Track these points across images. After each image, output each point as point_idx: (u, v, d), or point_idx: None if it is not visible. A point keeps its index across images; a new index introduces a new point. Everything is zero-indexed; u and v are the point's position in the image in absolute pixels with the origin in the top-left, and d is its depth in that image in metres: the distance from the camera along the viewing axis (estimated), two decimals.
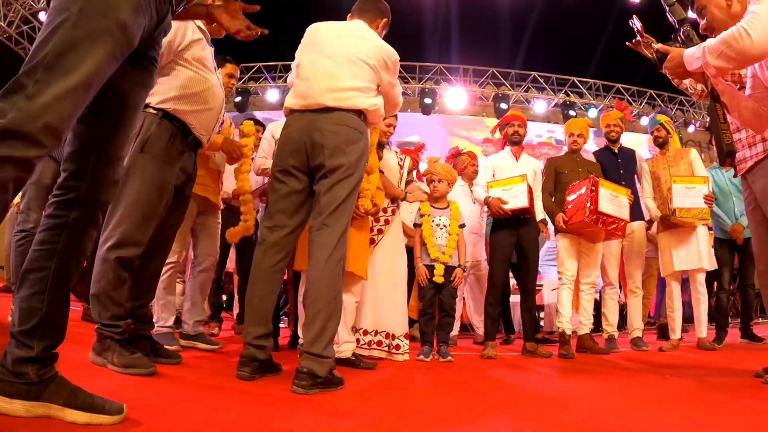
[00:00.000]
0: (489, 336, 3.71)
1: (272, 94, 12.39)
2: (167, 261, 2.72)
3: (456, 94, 12.26)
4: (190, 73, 2.31)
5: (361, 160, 2.25)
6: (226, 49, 3.04)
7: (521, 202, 3.68)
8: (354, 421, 1.61)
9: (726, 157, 2.53)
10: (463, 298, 5.23)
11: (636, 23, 2.83)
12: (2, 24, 10.03)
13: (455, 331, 4.93)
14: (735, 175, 2.74)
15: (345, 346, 2.84)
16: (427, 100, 12.16)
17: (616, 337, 4.18)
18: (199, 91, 2.33)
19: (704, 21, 2.31)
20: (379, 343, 3.14)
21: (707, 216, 4.10)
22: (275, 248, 2.26)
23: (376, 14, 2.60)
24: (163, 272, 2.71)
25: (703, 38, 2.27)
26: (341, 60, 2.33)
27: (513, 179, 3.80)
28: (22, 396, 1.23)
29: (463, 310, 5.33)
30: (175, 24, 2.23)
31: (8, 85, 1.02)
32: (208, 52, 2.44)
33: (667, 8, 2.41)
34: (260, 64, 12.43)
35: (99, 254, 2.17)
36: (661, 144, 4.47)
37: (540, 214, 3.99)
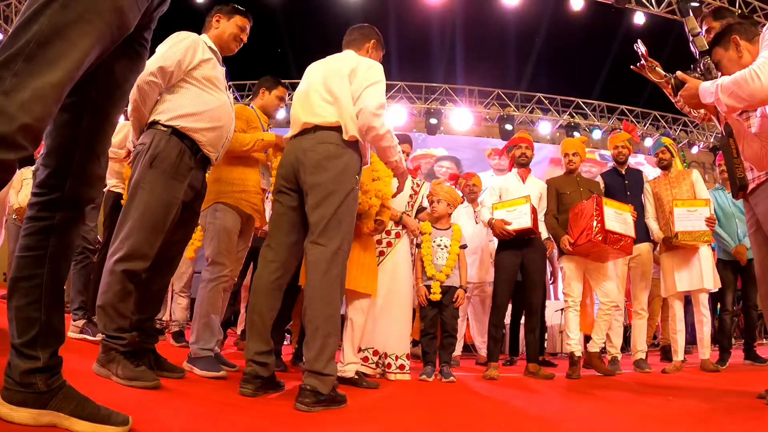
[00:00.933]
0: (492, 357, 3.70)
1: (279, 113, 12.53)
2: (218, 275, 2.76)
3: (461, 115, 12.35)
4: (199, 92, 2.36)
5: (344, 175, 2.22)
6: (234, 67, 3.10)
7: (525, 222, 3.70)
8: None
9: (739, 190, 2.58)
10: (467, 319, 5.22)
11: (641, 47, 2.89)
12: (1, 21, 10.16)
13: (457, 351, 4.94)
14: (736, 198, 2.76)
15: (349, 366, 2.85)
16: (433, 121, 12.24)
17: (619, 359, 4.14)
18: (209, 110, 2.36)
19: (719, 74, 2.37)
20: (365, 359, 3.14)
21: (709, 237, 4.11)
22: (273, 265, 2.29)
23: (361, 39, 2.65)
24: (208, 288, 2.73)
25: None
26: (317, 80, 2.40)
27: (517, 201, 3.83)
28: (29, 404, 1.22)
29: (466, 331, 5.32)
30: (185, 44, 2.32)
31: None
32: (218, 71, 2.48)
33: (691, 38, 2.48)
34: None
35: (106, 266, 2.19)
36: (665, 166, 4.51)
37: (545, 232, 4.01)
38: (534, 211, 3.78)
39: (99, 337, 3.05)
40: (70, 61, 0.97)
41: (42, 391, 1.23)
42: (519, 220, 3.73)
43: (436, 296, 3.39)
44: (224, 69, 2.58)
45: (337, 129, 2.27)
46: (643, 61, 2.94)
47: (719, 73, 2.36)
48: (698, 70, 2.48)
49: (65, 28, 0.97)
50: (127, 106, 2.58)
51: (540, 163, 11.54)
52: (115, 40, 1.11)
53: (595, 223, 3.59)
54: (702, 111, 3.07)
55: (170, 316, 4.51)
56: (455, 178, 5.46)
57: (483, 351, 5.03)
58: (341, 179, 2.22)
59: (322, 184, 2.20)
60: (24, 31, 0.95)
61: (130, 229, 2.19)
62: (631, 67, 2.96)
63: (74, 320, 3.28)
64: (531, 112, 12.56)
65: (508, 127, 12.02)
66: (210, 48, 2.48)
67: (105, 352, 2.12)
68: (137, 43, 1.32)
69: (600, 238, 3.54)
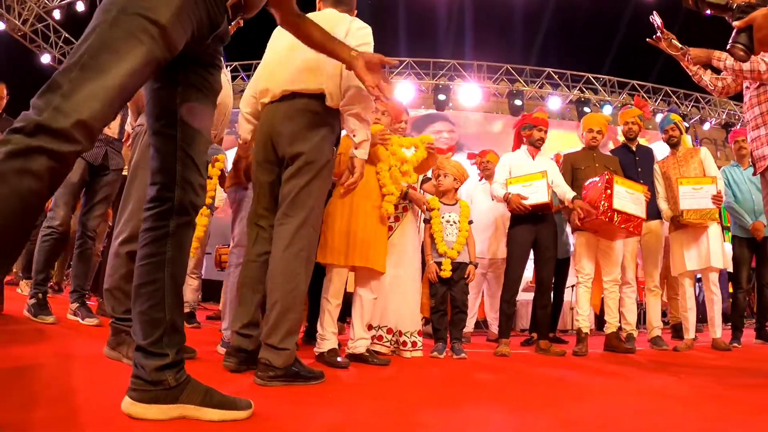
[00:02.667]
0: (503, 333, 3.69)
1: None
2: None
3: (470, 91, 12.19)
4: None
5: (322, 146, 2.13)
6: (228, 45, 3.03)
7: (541, 197, 3.64)
8: (360, 412, 1.60)
9: None
10: (481, 295, 5.21)
11: (656, 19, 2.77)
12: (17, 22, 10.18)
13: (469, 327, 4.94)
14: (754, 173, 2.69)
15: (359, 342, 2.84)
16: (441, 97, 12.11)
17: (635, 336, 4.13)
18: None
19: None
20: (380, 338, 3.14)
21: (716, 216, 4.06)
22: (260, 239, 2.25)
23: (351, 1, 2.48)
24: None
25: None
26: (299, 43, 1.99)
27: (533, 175, 3.77)
28: (159, 401, 1.30)
29: (480, 307, 5.31)
30: None
31: (46, 85, 1.03)
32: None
33: (703, 4, 2.21)
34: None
35: (112, 249, 2.21)
36: (674, 144, 4.41)
37: (571, 193, 3.84)
38: (549, 186, 3.71)
39: (88, 321, 3.16)
40: (120, 69, 1.08)
41: (171, 386, 1.31)
42: (536, 195, 3.67)
43: (447, 273, 3.36)
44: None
45: (318, 96, 2.15)
46: (659, 34, 2.84)
47: None
48: (736, 16, 2.17)
49: (113, 42, 1.09)
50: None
51: None
52: (163, 56, 1.19)
53: (603, 200, 3.52)
54: (720, 84, 2.97)
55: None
56: (473, 156, 5.41)
57: (494, 327, 5.03)
58: (319, 150, 2.12)
59: (301, 155, 2.11)
60: (80, 46, 1.09)
61: (132, 210, 2.20)
62: (647, 40, 2.85)
63: (71, 302, 3.35)
64: (541, 88, 12.36)
65: (518, 102, 11.88)
66: None
67: (115, 335, 2.14)
68: (203, 67, 1.42)
69: (607, 216, 3.48)
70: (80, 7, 10.03)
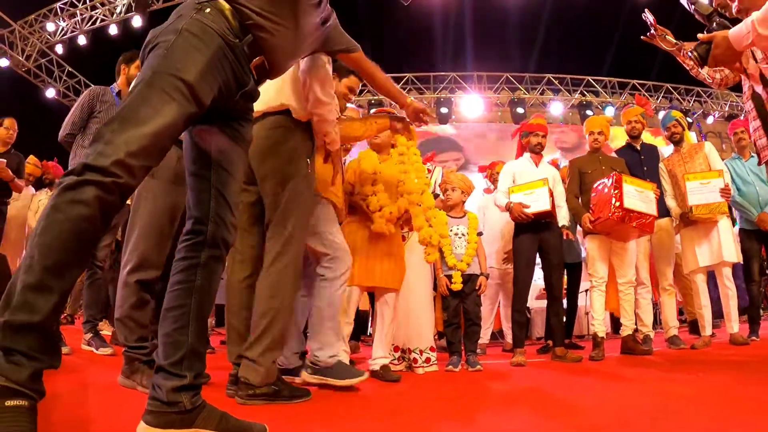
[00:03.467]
0: (517, 343, 3.65)
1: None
2: (344, 271, 2.49)
3: (472, 102, 12.24)
4: None
5: (292, 160, 2.16)
6: None
7: (543, 205, 3.63)
8: (370, 427, 1.60)
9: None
10: (498, 305, 5.17)
11: (648, 16, 2.79)
12: (20, 58, 10.41)
13: (485, 339, 4.91)
14: (759, 163, 2.67)
15: (377, 361, 2.85)
16: (443, 110, 12.15)
17: (651, 337, 4.07)
18: None
19: (735, 2, 2.24)
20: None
21: (725, 209, 4.01)
22: (241, 265, 2.25)
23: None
24: (335, 287, 2.44)
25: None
26: None
27: (534, 183, 3.76)
28: (175, 425, 1.32)
29: (496, 317, 5.28)
30: None
31: (94, 135, 1.22)
32: None
33: (692, 7, 2.36)
34: None
35: (120, 279, 2.24)
36: (677, 141, 4.37)
37: (563, 220, 3.88)
38: (551, 194, 3.70)
39: (102, 351, 3.20)
40: (155, 121, 1.23)
41: (187, 409, 1.34)
42: (537, 203, 3.66)
43: (458, 286, 3.35)
44: None
45: (285, 112, 2.19)
46: (652, 31, 2.84)
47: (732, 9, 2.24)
48: (710, 29, 2.34)
49: (149, 98, 1.26)
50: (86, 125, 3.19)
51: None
52: (194, 111, 1.33)
53: (613, 200, 3.50)
54: (718, 76, 2.96)
55: None
56: (484, 169, 5.43)
57: (510, 337, 4.92)
58: (291, 163, 2.15)
59: (271, 172, 2.14)
60: (122, 104, 1.27)
61: (137, 239, 2.23)
62: (642, 37, 2.86)
63: (84, 332, 3.39)
64: (542, 94, 12.38)
65: (520, 110, 11.89)
66: None
67: (128, 363, 2.15)
68: (234, 120, 1.55)
69: (618, 216, 3.46)
70: (82, 40, 10.27)
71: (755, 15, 1.96)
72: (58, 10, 10.25)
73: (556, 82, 12.28)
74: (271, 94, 2.19)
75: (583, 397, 2.25)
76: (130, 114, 1.24)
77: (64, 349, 3.05)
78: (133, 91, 1.29)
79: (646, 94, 12.20)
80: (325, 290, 2.37)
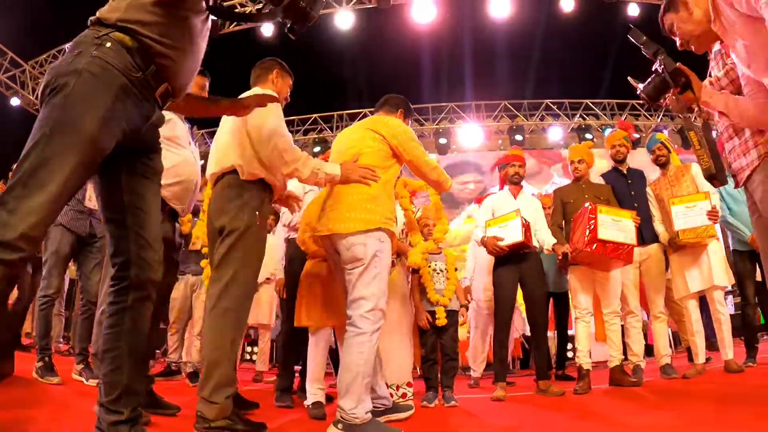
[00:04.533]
0: (498, 377, 3.60)
1: None
2: (380, 325, 2.34)
3: (471, 131, 12.34)
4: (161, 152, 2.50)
5: (240, 213, 2.31)
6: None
7: (516, 236, 3.61)
8: None
9: (710, 180, 2.44)
10: (489, 337, 5.11)
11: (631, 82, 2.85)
12: (31, 97, 10.76)
13: (479, 371, 4.85)
14: (736, 186, 2.64)
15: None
16: (442, 140, 12.25)
17: (642, 368, 3.98)
18: (171, 167, 2.52)
19: (678, 39, 2.29)
20: None
21: (713, 232, 3.94)
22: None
23: (264, 73, 2.67)
24: (373, 341, 2.30)
25: (678, 58, 2.26)
26: (224, 128, 2.51)
27: (507, 216, 3.75)
28: None
29: (489, 350, 5.20)
30: None
31: None
32: (180, 129, 2.67)
33: (641, 46, 2.40)
34: None
35: (96, 318, 2.45)
36: (663, 164, 4.34)
37: (547, 245, 3.86)
38: (526, 225, 3.69)
39: (92, 382, 3.28)
40: (55, 184, 1.26)
41: None
42: (510, 234, 3.65)
43: (442, 321, 3.34)
44: (188, 126, 2.76)
45: (234, 172, 2.36)
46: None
47: (678, 40, 2.27)
48: (659, 70, 2.35)
49: (50, 159, 1.27)
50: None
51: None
52: (96, 160, 1.37)
53: (588, 232, 3.48)
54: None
55: (186, 357, 4.68)
56: (480, 201, 5.44)
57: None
58: (238, 218, 2.30)
59: (224, 226, 2.31)
60: (21, 165, 1.28)
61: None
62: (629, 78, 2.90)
63: (75, 363, 3.54)
64: (541, 120, 12.44)
65: (519, 137, 11.93)
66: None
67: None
68: (144, 153, 1.59)
69: (593, 248, 3.43)
70: None
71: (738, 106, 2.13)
72: (67, 50, 10.64)
73: (554, 107, 12.34)
74: (222, 155, 2.41)
75: None
76: (31, 178, 1.26)
77: (54, 379, 3.20)
78: (33, 150, 1.29)
79: (645, 114, 12.18)
80: (364, 345, 2.25)
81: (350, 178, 2.29)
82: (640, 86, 2.37)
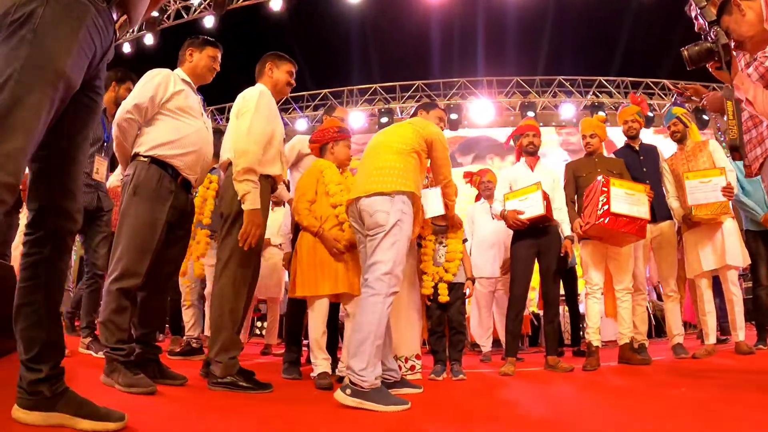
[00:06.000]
0: (509, 351, 3.60)
1: (301, 124, 12.66)
2: (396, 289, 2.35)
3: (482, 107, 12.19)
4: (174, 121, 2.55)
5: (231, 201, 2.60)
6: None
7: (537, 210, 3.56)
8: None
9: (733, 150, 2.41)
10: (492, 314, 5.11)
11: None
12: None
13: (487, 347, 4.87)
14: (747, 175, 2.58)
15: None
16: (453, 116, 12.11)
17: (646, 346, 3.95)
18: (184, 137, 2.56)
19: (732, 41, 2.27)
20: None
21: (728, 209, 3.85)
22: None
23: (260, 69, 2.94)
24: (387, 304, 2.29)
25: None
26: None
27: (527, 188, 3.69)
28: (40, 408, 1.44)
29: (493, 326, 5.21)
30: (156, 80, 2.53)
31: None
32: (192, 100, 2.66)
33: (699, 10, 2.36)
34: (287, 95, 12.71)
35: (105, 287, 2.44)
36: (679, 139, 4.24)
37: (566, 231, 3.76)
38: (546, 197, 3.63)
39: (101, 354, 3.25)
40: (30, 125, 1.19)
41: (48, 396, 1.45)
42: (531, 208, 3.59)
43: (445, 298, 3.32)
44: (200, 97, 2.76)
45: (229, 164, 2.65)
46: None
47: (731, 41, 2.25)
48: (709, 39, 2.34)
49: (22, 99, 1.18)
50: (93, 146, 3.20)
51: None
52: (65, 98, 1.30)
53: (600, 205, 3.43)
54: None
55: (207, 332, 4.62)
56: (470, 176, 5.34)
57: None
58: (230, 205, 2.62)
59: (223, 212, 2.68)
60: None
61: (121, 251, 2.42)
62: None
63: (82, 337, 3.56)
64: (553, 96, 12.25)
65: (531, 114, 11.76)
66: (183, 80, 2.66)
67: (108, 363, 2.34)
68: (90, 93, 1.49)
69: (606, 221, 3.38)
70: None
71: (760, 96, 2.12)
72: None
73: (567, 84, 12.15)
74: (224, 149, 2.73)
75: (557, 413, 2.20)
76: (5, 120, 1.17)
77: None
78: (3, 88, 1.19)
79: (660, 93, 11.95)
80: (377, 306, 2.25)
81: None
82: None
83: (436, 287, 3.37)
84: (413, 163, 2.59)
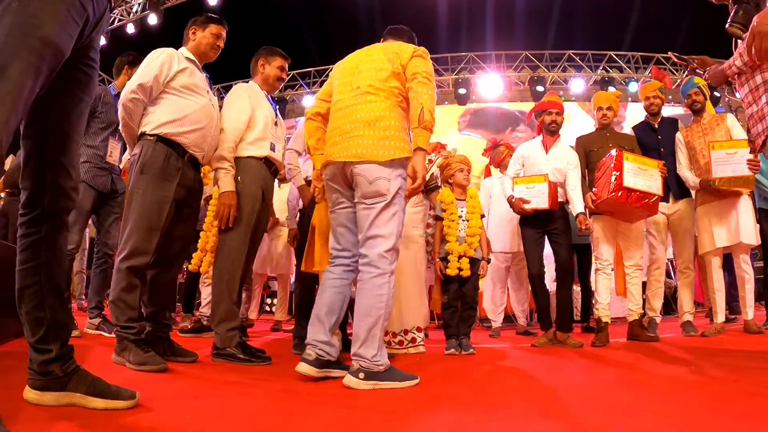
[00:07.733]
0: (545, 325, 3.69)
1: (308, 101, 12.54)
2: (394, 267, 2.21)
3: (491, 82, 12.01)
4: (178, 99, 2.55)
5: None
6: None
7: (542, 203, 3.58)
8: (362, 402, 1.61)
9: None
10: (507, 290, 5.12)
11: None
12: None
13: (498, 322, 4.90)
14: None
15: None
16: (462, 91, 11.98)
17: (657, 322, 3.93)
18: (189, 114, 2.55)
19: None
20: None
21: (752, 184, 3.74)
22: None
23: (253, 67, 3.06)
24: (392, 283, 2.17)
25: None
26: None
27: (536, 177, 3.68)
28: (51, 389, 1.45)
29: (507, 302, 5.23)
30: (160, 59, 2.52)
31: None
32: (197, 78, 2.65)
33: None
34: (294, 72, 12.58)
35: (115, 266, 2.45)
36: (698, 110, 4.09)
37: (579, 207, 3.65)
38: (553, 189, 3.62)
39: (113, 334, 3.33)
40: (13, 95, 1.12)
41: (59, 376, 1.46)
42: (537, 199, 3.60)
43: (467, 272, 3.28)
44: (204, 75, 2.74)
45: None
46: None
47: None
48: (743, 4, 2.22)
49: (3, 69, 1.12)
50: (88, 123, 3.14)
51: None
52: (53, 66, 1.22)
53: (613, 179, 3.38)
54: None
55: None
56: (496, 145, 5.19)
57: (521, 320, 5.02)
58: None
59: None
60: None
61: (130, 230, 2.43)
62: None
63: (90, 318, 3.59)
64: (563, 71, 12.05)
65: (540, 88, 11.59)
66: (187, 58, 2.65)
67: (119, 342, 2.36)
68: (84, 65, 1.44)
69: (618, 195, 3.34)
70: (101, 41, 10.39)
71: None
72: None
73: (577, 58, 11.92)
74: None
75: (558, 386, 2.20)
76: None
77: (75, 332, 3.21)
78: None
79: (671, 68, 11.70)
80: (384, 287, 2.11)
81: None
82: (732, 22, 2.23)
83: (447, 260, 3.35)
84: (403, 114, 2.28)
